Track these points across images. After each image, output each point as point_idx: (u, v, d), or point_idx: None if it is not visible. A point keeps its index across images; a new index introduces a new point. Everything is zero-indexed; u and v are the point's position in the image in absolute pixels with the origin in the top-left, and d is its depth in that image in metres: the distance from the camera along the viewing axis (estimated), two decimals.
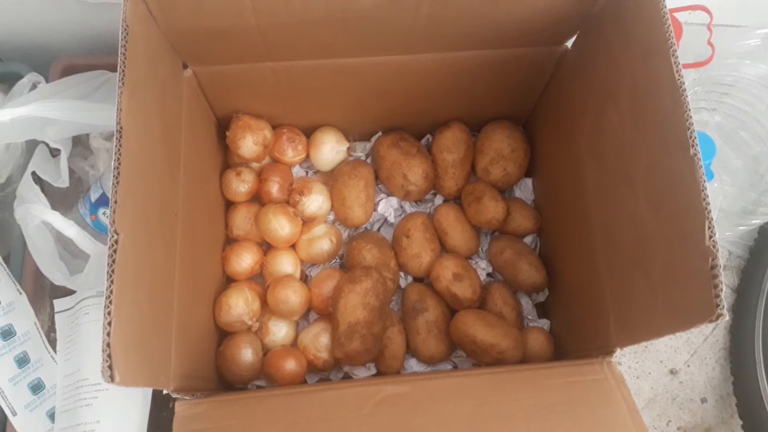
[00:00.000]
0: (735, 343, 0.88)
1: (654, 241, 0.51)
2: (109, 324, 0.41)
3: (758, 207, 0.86)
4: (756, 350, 0.84)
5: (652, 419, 0.86)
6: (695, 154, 0.46)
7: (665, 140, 0.49)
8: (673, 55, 0.48)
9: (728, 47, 0.85)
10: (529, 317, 0.79)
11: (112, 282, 0.42)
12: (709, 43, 0.75)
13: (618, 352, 0.58)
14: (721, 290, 0.43)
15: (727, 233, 0.89)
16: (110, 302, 0.42)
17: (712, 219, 0.44)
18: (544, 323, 0.78)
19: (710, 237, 0.44)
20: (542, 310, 0.81)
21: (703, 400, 0.88)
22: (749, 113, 0.87)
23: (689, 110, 0.47)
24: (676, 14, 0.74)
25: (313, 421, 0.53)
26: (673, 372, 0.88)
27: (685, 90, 0.47)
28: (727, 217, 0.87)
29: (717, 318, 0.43)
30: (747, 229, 0.89)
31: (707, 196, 0.45)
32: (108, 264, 0.43)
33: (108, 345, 0.41)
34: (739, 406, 0.85)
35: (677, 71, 0.48)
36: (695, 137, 0.46)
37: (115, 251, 0.43)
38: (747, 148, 0.88)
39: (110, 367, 0.41)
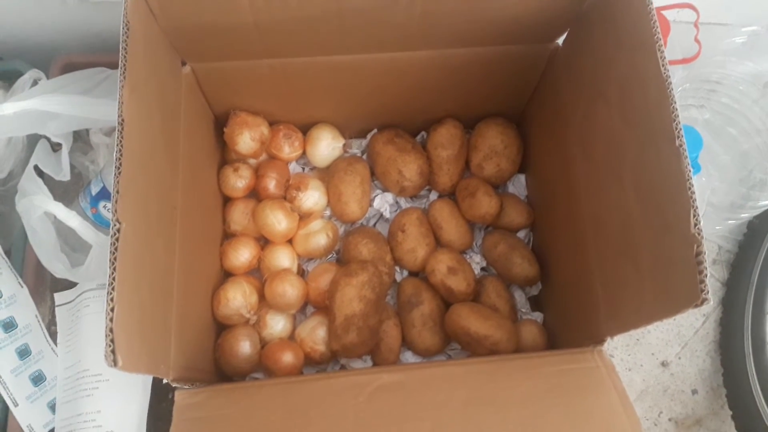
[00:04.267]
0: (725, 336, 0.89)
1: (641, 230, 0.53)
2: (112, 310, 0.42)
3: (747, 201, 0.87)
4: (745, 342, 0.85)
5: (644, 410, 0.87)
6: (680, 145, 0.47)
7: (652, 132, 0.51)
8: (659, 50, 0.49)
9: (715, 45, 0.87)
10: (523, 310, 0.80)
11: (114, 270, 0.44)
12: (696, 40, 0.77)
13: (610, 344, 0.59)
14: (706, 276, 0.44)
15: (716, 227, 0.90)
16: (113, 289, 0.43)
17: (697, 208, 0.45)
18: (538, 316, 0.79)
19: (695, 225, 0.45)
20: (536, 303, 0.82)
21: (694, 392, 0.89)
22: (737, 110, 0.88)
23: (675, 102, 0.48)
24: (664, 12, 0.75)
25: (310, 408, 0.54)
26: (664, 364, 0.89)
27: (671, 83, 0.48)
28: (717, 212, 0.88)
29: (702, 303, 0.43)
30: (736, 223, 0.91)
31: (692, 186, 0.46)
32: (111, 252, 0.44)
33: (111, 330, 0.42)
34: (729, 397, 0.87)
35: (663, 65, 0.49)
36: (680, 129, 0.47)
37: (117, 239, 0.44)
38: (735, 144, 0.89)
39: (113, 351, 0.42)
